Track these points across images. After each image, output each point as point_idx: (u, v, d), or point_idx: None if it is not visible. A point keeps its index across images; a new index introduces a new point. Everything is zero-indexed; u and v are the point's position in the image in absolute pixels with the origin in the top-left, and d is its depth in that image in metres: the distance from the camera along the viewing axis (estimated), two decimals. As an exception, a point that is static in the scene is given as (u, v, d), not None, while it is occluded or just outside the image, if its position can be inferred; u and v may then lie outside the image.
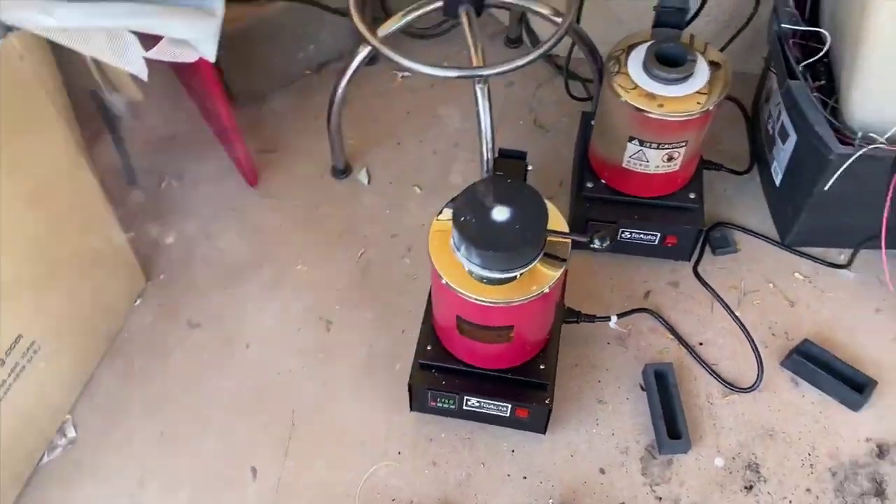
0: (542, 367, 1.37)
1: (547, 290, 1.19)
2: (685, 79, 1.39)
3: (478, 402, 1.37)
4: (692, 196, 1.56)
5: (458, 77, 1.49)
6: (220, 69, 1.85)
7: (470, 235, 1.15)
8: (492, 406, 1.38)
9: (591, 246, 1.17)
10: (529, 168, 1.26)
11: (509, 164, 1.24)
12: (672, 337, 1.57)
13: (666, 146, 1.44)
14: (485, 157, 1.49)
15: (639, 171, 1.50)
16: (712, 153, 1.76)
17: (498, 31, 2.06)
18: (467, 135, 1.85)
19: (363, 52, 1.57)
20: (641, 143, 1.44)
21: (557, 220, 1.24)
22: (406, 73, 1.99)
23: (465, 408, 1.40)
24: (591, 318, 1.52)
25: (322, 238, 1.71)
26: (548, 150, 1.84)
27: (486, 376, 1.36)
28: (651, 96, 1.39)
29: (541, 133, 1.88)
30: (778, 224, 1.69)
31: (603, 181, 1.58)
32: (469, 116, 1.88)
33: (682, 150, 1.45)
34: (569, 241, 1.23)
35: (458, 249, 1.19)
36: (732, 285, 1.63)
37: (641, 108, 1.38)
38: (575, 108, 1.87)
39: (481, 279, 1.19)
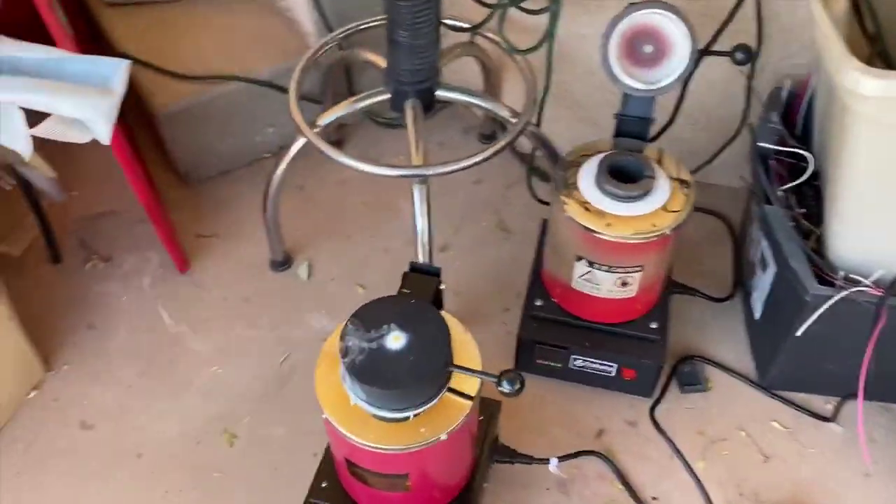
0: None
1: (444, 438, 1.00)
2: (640, 197, 1.22)
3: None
4: (653, 326, 1.37)
5: (393, 175, 1.34)
6: (163, 145, 1.74)
7: (354, 365, 0.98)
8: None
9: (500, 389, 0.99)
10: (443, 287, 1.09)
11: (419, 280, 1.08)
12: (622, 487, 1.35)
13: (618, 269, 1.26)
14: (421, 254, 1.33)
15: (590, 293, 1.32)
16: (691, 273, 1.58)
17: (473, 125, 1.92)
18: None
19: (299, 141, 1.43)
20: (591, 263, 1.27)
21: (467, 351, 1.06)
22: (368, 163, 1.85)
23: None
24: (528, 460, 1.32)
25: (245, 337, 1.55)
26: (508, 258, 1.67)
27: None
28: (600, 214, 1.22)
29: (504, 237, 1.71)
30: (757, 362, 1.48)
31: (554, 300, 1.40)
32: (432, 214, 1.74)
33: (637, 276, 1.27)
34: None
35: (344, 380, 1.01)
36: (699, 430, 1.42)
37: (588, 226, 1.21)
38: (544, 212, 1.71)
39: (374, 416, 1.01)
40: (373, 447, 0.99)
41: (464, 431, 1.06)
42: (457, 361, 1.04)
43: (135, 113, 1.88)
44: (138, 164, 1.51)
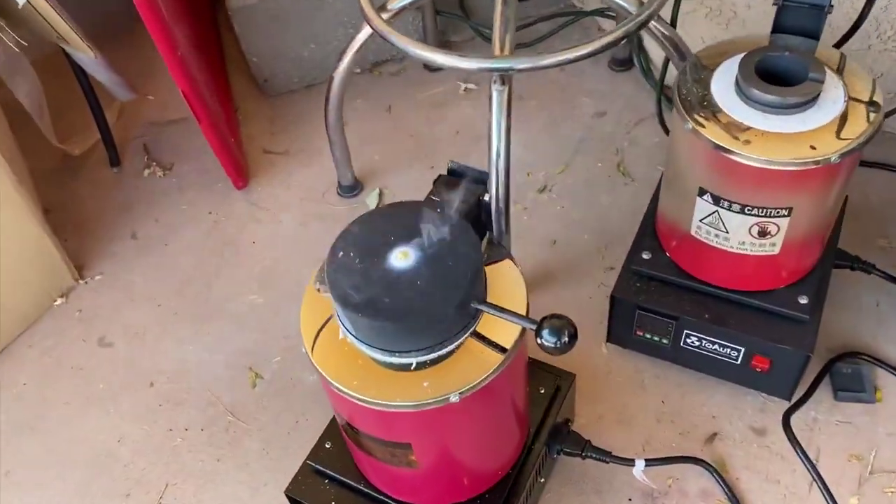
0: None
1: (454, 400, 0.71)
2: (797, 107, 0.85)
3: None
4: (803, 301, 0.99)
5: (465, 68, 1.04)
6: (240, 47, 1.54)
7: (343, 286, 0.70)
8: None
9: (539, 341, 0.68)
10: (486, 198, 0.79)
11: (457, 187, 0.79)
12: (733, 512, 1.00)
13: (755, 211, 0.90)
14: (493, 184, 1.03)
15: (714, 245, 0.97)
16: (867, 244, 1.18)
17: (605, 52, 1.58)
18: (521, 167, 1.39)
19: (364, 32, 1.17)
20: (717, 200, 0.91)
21: (510, 291, 0.75)
22: (471, 85, 1.57)
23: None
24: (607, 457, 0.99)
25: (293, 266, 1.32)
26: (624, 207, 1.33)
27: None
28: (736, 127, 0.86)
29: (622, 182, 1.37)
30: (953, 373, 1.06)
31: (667, 254, 1.06)
32: (530, 145, 1.43)
33: (783, 224, 0.90)
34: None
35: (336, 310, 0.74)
36: (855, 454, 1.03)
37: (717, 142, 0.86)
38: (677, 155, 1.35)
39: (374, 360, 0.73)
40: (358, 398, 0.72)
41: (492, 397, 0.76)
42: (493, 300, 0.74)
43: (222, 14, 1.70)
44: (214, 65, 1.32)
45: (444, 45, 1.63)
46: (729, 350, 1.04)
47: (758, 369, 1.04)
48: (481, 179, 0.79)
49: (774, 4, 0.92)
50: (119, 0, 1.45)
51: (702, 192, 0.93)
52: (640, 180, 1.37)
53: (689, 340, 1.06)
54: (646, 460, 1.00)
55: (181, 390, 1.19)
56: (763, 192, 0.88)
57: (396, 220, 0.74)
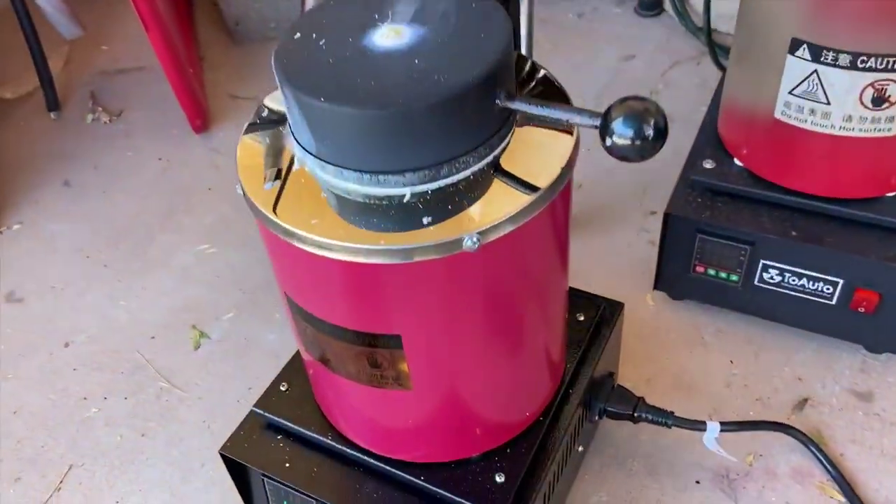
0: None
1: (472, 244, 0.45)
2: None
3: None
4: (926, 210, 0.75)
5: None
6: (209, -21, 1.33)
7: (303, 69, 0.46)
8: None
9: (607, 141, 0.43)
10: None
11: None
12: (838, 492, 0.72)
13: (869, 63, 0.66)
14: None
15: (808, 128, 0.72)
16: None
17: (630, -5, 1.38)
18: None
19: None
20: (816, 53, 0.68)
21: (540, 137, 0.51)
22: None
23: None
24: (668, 418, 0.72)
25: (259, 214, 1.07)
26: (666, 146, 1.09)
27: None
28: (848, -64, 0.64)
29: (659, 123, 1.14)
30: None
31: (738, 162, 0.82)
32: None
33: (911, 79, 0.67)
34: (558, 129, 0.49)
35: (289, 121, 0.49)
36: None
37: (822, -45, 0.63)
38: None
39: (341, 206, 0.47)
40: (324, 244, 0.46)
41: (522, 258, 0.51)
42: (523, 153, 0.49)
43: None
44: (177, 7, 1.11)
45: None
46: (821, 284, 0.79)
47: (860, 309, 0.78)
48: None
49: None
50: None
51: (795, 47, 0.69)
52: (681, 121, 1.14)
53: (766, 275, 0.81)
54: (721, 423, 0.73)
55: (103, 352, 0.92)
56: (885, 28, 0.65)
57: (384, -3, 0.50)
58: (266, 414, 0.65)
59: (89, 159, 1.18)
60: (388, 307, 0.49)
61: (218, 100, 1.26)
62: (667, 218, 0.82)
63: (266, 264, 0.98)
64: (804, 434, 0.76)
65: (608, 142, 0.43)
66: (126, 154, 1.18)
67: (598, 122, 0.44)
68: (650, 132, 0.42)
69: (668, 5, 1.32)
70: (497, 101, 0.46)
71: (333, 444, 0.63)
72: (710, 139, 0.85)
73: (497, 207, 0.46)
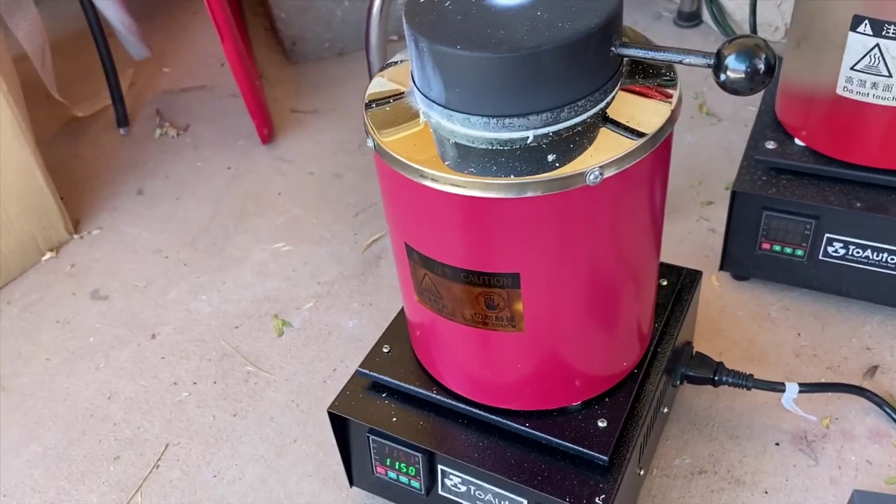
0: None
1: (595, 177, 0.49)
2: None
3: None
4: (984, 178, 0.78)
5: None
6: (268, 5, 1.40)
7: (433, 22, 0.51)
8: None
9: (721, 76, 0.47)
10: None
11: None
12: (920, 455, 0.75)
13: (933, 34, 0.71)
14: None
15: (870, 100, 0.77)
16: None
17: (668, 9, 1.44)
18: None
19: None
20: (878, 28, 0.73)
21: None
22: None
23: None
24: (748, 380, 0.75)
25: (327, 215, 1.11)
26: (714, 144, 1.14)
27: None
28: (907, -85, 0.69)
29: (709, 122, 1.19)
30: None
31: (799, 142, 0.86)
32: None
33: (971, 46, 0.71)
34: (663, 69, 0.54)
35: (416, 77, 0.54)
36: None
37: (884, -67, 0.68)
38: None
39: (460, 153, 0.52)
40: (453, 180, 0.50)
41: (635, 192, 0.55)
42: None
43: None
44: (239, 27, 1.19)
45: None
46: (886, 255, 0.82)
47: (926, 279, 0.82)
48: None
49: None
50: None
51: (856, 24, 0.74)
52: (729, 119, 1.19)
53: (831, 249, 0.84)
54: (800, 385, 0.76)
55: (189, 342, 0.96)
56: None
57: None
58: (371, 373, 0.69)
59: (160, 170, 1.23)
60: (510, 245, 0.53)
61: (279, 114, 1.32)
62: (734, 196, 0.86)
63: (339, 259, 1.03)
64: (879, 396, 0.78)
65: (722, 77, 0.48)
66: (195, 164, 1.24)
67: (711, 61, 0.48)
68: (761, 66, 0.47)
69: (706, 16, 1.38)
70: (613, 49, 0.51)
71: (439, 397, 0.66)
72: (769, 123, 0.90)
73: (611, 148, 0.51)
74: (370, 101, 0.58)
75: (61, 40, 1.53)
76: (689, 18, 1.39)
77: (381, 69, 0.62)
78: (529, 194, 0.50)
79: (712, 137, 1.16)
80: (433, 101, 0.53)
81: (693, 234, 1.01)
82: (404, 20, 0.53)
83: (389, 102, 0.57)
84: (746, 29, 1.30)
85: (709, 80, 1.27)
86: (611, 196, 0.52)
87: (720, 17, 1.34)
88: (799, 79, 0.84)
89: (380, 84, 0.60)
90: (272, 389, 0.89)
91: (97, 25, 1.24)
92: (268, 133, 1.24)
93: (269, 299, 1.00)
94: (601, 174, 0.49)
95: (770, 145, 0.86)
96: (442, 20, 0.51)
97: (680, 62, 0.51)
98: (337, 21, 1.41)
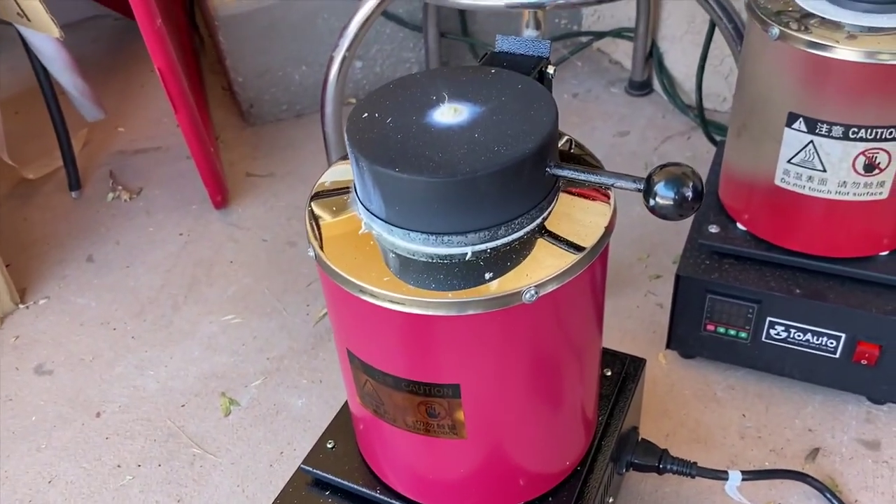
0: None
1: (530, 296, 0.50)
2: (907, -4, 0.71)
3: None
4: (918, 267, 0.81)
5: (496, 6, 0.90)
6: (225, 66, 1.41)
7: (373, 141, 0.51)
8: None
9: (651, 202, 0.49)
10: (552, 72, 0.62)
11: (511, 61, 0.62)
12: (860, 542, 0.76)
13: (860, 134, 0.73)
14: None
15: (806, 193, 0.79)
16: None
17: (619, 78, 1.47)
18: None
19: (365, 6, 1.03)
20: (812, 126, 0.75)
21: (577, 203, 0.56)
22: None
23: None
24: (690, 468, 0.76)
25: (279, 286, 1.11)
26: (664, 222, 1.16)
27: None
28: (833, 26, 0.72)
29: (657, 193, 1.21)
30: None
31: (741, 226, 0.88)
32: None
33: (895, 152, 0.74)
34: (594, 193, 0.55)
35: (358, 190, 0.55)
36: None
37: (815, 40, 0.71)
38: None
39: (402, 266, 0.52)
40: (395, 299, 0.50)
41: (571, 308, 0.55)
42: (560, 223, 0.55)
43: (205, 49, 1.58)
44: (193, 90, 1.19)
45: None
46: (825, 339, 0.84)
47: (863, 362, 0.83)
48: (537, 51, 0.62)
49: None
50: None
51: (792, 120, 0.76)
52: (677, 192, 1.21)
53: (773, 331, 0.86)
54: (742, 472, 0.77)
55: (135, 420, 0.94)
56: (872, 104, 0.72)
57: (442, 80, 0.56)
58: (314, 470, 0.68)
59: (111, 235, 1.22)
60: (450, 357, 0.54)
61: (234, 178, 1.32)
62: (678, 280, 0.87)
63: (290, 332, 1.03)
64: (820, 482, 0.80)
65: (651, 202, 0.49)
66: (147, 230, 1.22)
67: (641, 186, 0.49)
68: (689, 193, 0.48)
69: (657, 86, 1.42)
70: (548, 169, 0.52)
71: (382, 497, 0.66)
72: (712, 206, 0.92)
73: (547, 264, 0.52)
74: (318, 193, 0.58)
75: (15, 95, 1.52)
76: (641, 87, 1.42)
77: (338, 160, 0.62)
78: (469, 312, 0.50)
79: (661, 209, 1.18)
80: (374, 215, 0.53)
81: (641, 308, 1.03)
82: (346, 136, 0.53)
83: (334, 199, 0.57)
84: (694, 98, 1.33)
85: (658, 151, 1.30)
86: (548, 310, 0.53)
87: (669, 87, 1.38)
88: (740, 166, 0.86)
89: (331, 175, 0.60)
90: (218, 473, 0.87)
91: (49, 87, 1.22)
92: (221, 199, 1.24)
93: (217, 376, 0.98)
94: (536, 293, 0.50)
95: (713, 229, 0.88)
96: (382, 138, 0.52)
97: (612, 186, 0.52)
98: (295, 84, 1.42)
